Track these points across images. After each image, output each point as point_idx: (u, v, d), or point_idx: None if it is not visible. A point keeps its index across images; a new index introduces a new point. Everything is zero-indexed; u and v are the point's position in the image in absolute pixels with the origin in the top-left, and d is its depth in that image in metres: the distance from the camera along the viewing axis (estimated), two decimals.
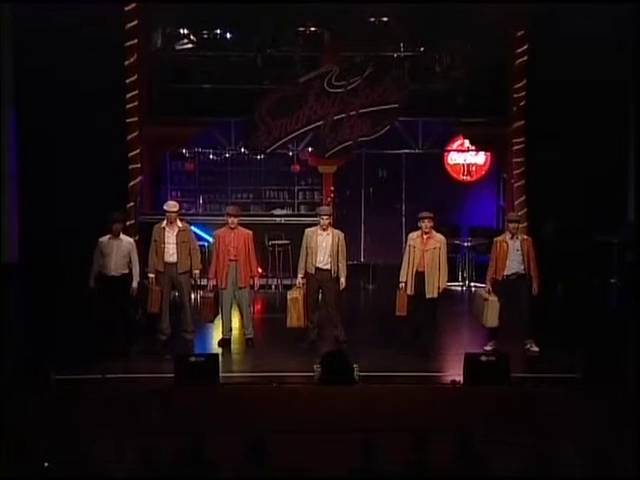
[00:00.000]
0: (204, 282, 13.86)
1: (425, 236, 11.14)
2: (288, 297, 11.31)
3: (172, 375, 9.85)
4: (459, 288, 15.05)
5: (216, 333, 11.87)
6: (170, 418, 9.18)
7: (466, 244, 15.20)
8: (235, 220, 11.66)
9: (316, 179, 16.64)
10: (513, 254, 11.14)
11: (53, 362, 10.02)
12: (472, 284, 14.98)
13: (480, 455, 7.32)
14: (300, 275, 11.36)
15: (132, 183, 15.07)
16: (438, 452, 7.32)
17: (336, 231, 11.44)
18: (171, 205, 11.63)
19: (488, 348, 11.09)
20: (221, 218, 15.20)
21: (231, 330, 11.59)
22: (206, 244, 14.66)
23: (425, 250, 11.11)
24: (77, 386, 9.74)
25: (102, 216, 14.42)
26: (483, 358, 10.03)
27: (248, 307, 11.61)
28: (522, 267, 11.14)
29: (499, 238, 11.32)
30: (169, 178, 17.05)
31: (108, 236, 11.41)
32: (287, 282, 14.48)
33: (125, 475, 7.26)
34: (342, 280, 11.28)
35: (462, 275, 15.20)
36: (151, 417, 9.18)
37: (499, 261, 11.14)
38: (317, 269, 11.26)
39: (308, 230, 11.44)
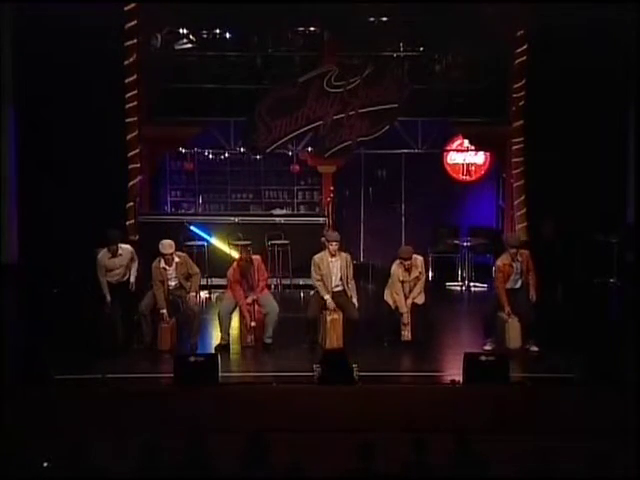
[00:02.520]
0: (202, 282, 13.95)
1: (409, 269, 11.50)
2: (328, 318, 11.24)
3: (171, 375, 9.84)
4: (458, 288, 15.04)
5: (216, 333, 11.85)
6: (169, 418, 9.17)
7: (465, 244, 15.18)
8: (248, 255, 11.54)
9: (315, 179, 16.63)
10: (514, 274, 11.36)
11: (53, 362, 10.01)
12: (471, 284, 14.98)
13: (479, 455, 7.32)
14: (327, 297, 11.30)
15: (131, 183, 15.10)
16: (437, 452, 7.33)
17: (344, 254, 11.52)
18: (167, 246, 11.27)
19: (487, 348, 11.11)
20: (220, 218, 15.30)
21: (229, 335, 11.51)
22: (205, 244, 14.68)
23: (409, 280, 11.48)
24: (77, 386, 9.73)
25: (101, 216, 14.51)
26: (482, 358, 10.02)
27: (274, 310, 11.40)
28: (520, 282, 11.33)
29: (502, 263, 11.36)
30: (168, 178, 17.03)
31: (105, 250, 11.34)
32: (286, 282, 14.52)
33: (125, 475, 7.26)
34: (354, 301, 11.40)
35: (461, 275, 15.19)
36: (151, 417, 9.17)
37: (505, 284, 11.29)
38: (333, 292, 11.40)
39: (316, 257, 11.47)
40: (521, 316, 11.16)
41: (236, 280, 11.42)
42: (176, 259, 11.37)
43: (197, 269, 11.65)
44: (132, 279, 11.55)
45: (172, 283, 11.38)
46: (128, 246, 11.63)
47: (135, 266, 11.59)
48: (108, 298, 11.25)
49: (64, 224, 14.87)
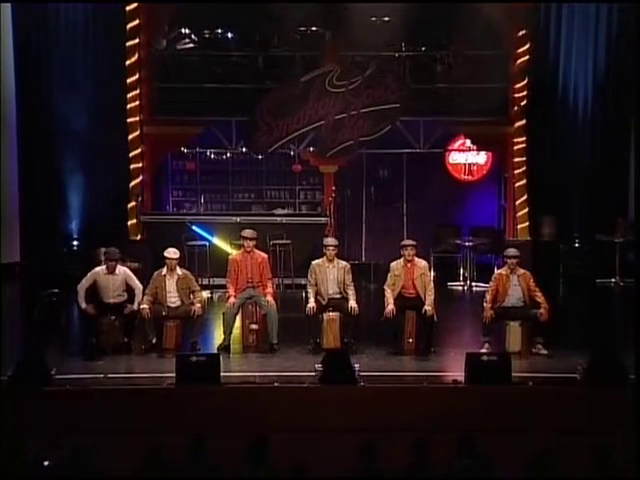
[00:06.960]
0: (204, 281, 13.95)
1: (409, 264, 11.28)
2: (325, 318, 11.20)
3: (173, 374, 9.82)
4: (460, 288, 15.02)
5: (218, 333, 11.83)
6: (170, 418, 9.16)
7: (467, 244, 15.16)
8: (251, 244, 11.49)
9: (317, 179, 16.62)
10: (511, 288, 11.18)
11: (53, 362, 9.99)
12: (473, 284, 14.95)
13: (481, 455, 7.30)
14: (312, 304, 11.19)
15: (134, 183, 15.13)
16: (439, 452, 7.31)
17: (342, 263, 11.47)
18: (172, 252, 11.27)
19: (484, 350, 10.97)
20: (222, 218, 15.29)
21: (231, 334, 11.48)
22: (207, 243, 14.67)
23: (414, 278, 11.25)
24: (77, 386, 9.72)
25: (103, 215, 14.52)
26: (485, 358, 10.01)
27: (275, 314, 11.32)
28: (521, 301, 11.16)
29: (499, 273, 11.35)
30: (170, 178, 17.02)
31: (103, 267, 11.21)
32: (288, 282, 14.51)
33: (125, 475, 7.25)
34: (351, 303, 11.20)
35: (463, 275, 15.17)
36: (151, 417, 9.16)
37: (499, 294, 11.17)
38: (330, 299, 11.33)
39: (314, 263, 11.43)
40: (523, 321, 11.11)
41: (235, 267, 11.42)
42: (178, 271, 11.28)
43: (198, 287, 11.55)
44: (135, 306, 11.08)
45: (173, 299, 11.22)
46: (125, 268, 11.45)
47: (139, 294, 11.17)
48: (83, 305, 11.10)
49: (65, 224, 14.89)
